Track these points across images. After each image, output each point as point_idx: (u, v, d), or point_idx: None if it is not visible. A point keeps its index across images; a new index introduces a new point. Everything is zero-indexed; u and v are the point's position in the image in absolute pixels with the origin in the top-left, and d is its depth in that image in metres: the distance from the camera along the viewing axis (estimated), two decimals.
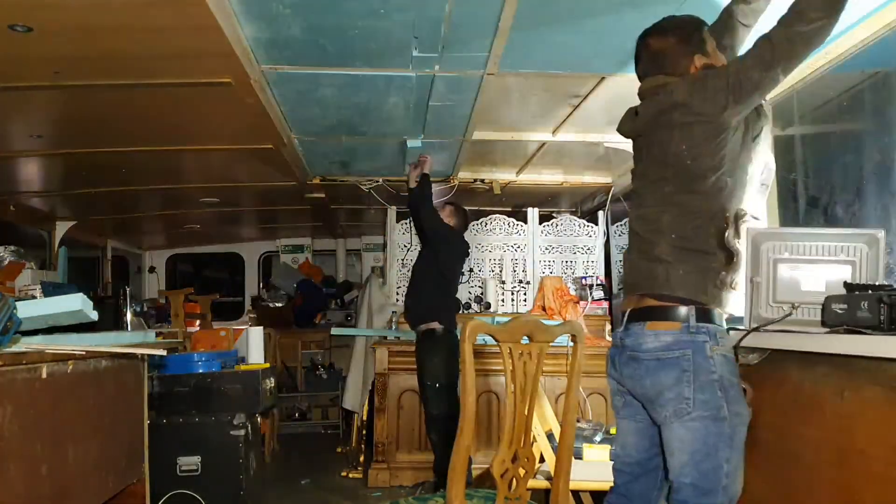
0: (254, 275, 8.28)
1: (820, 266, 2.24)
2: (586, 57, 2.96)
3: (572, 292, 5.44)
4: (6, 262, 4.98)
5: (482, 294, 5.54)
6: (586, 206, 6.14)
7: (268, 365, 4.46)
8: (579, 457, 3.44)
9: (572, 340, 2.29)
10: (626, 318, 2.08)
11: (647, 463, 2.11)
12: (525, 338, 2.16)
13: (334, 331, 6.12)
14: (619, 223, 5.69)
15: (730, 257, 1.98)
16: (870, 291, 1.94)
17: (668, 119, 2.01)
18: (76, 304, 2.34)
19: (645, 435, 2.10)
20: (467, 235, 5.27)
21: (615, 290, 5.51)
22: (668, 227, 2.00)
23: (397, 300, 5.55)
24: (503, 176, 5.27)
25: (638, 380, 2.00)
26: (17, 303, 2.05)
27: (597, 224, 5.70)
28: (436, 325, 4.27)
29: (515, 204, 5.92)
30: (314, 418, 7.30)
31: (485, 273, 5.64)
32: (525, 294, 5.58)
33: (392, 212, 5.66)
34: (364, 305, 5.64)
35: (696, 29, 2.14)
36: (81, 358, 2.37)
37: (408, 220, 5.72)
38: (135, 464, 3.03)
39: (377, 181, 5.17)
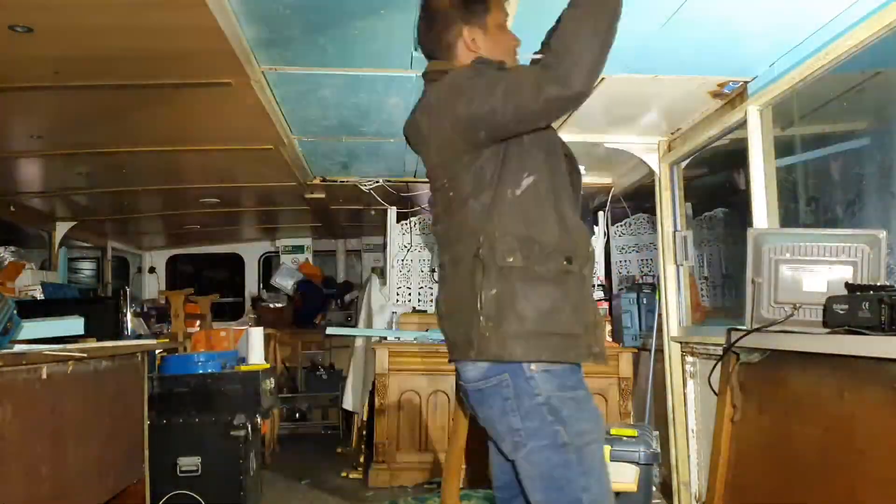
0: (254, 275, 8.28)
1: (821, 266, 2.24)
2: None
3: None
4: (6, 263, 4.98)
5: None
6: (586, 206, 6.14)
7: (268, 365, 4.45)
8: None
9: None
10: None
11: (515, 484, 1.76)
12: None
13: (329, 330, 6.08)
14: (619, 223, 5.69)
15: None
16: (871, 292, 1.94)
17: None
18: (78, 328, 2.36)
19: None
20: None
21: (615, 290, 5.51)
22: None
23: (397, 300, 5.55)
24: None
25: (474, 412, 1.78)
26: (22, 323, 2.04)
27: (597, 224, 5.69)
28: None
29: None
30: (314, 419, 7.30)
31: None
32: None
33: (392, 212, 5.66)
34: (364, 306, 5.63)
35: None
36: (81, 359, 2.36)
37: (408, 221, 5.73)
38: (135, 464, 3.03)
39: (377, 181, 5.17)
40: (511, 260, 1.61)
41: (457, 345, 1.70)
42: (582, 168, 1.96)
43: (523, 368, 1.62)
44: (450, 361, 1.78)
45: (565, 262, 1.64)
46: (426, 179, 1.89)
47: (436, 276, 1.50)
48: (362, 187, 5.22)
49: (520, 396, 1.62)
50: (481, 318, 1.61)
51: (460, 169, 1.68)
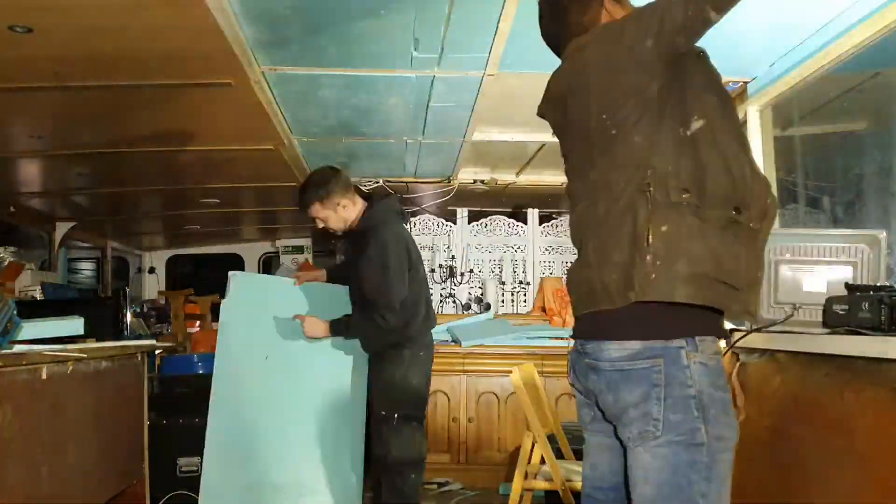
0: None
1: (821, 267, 2.24)
2: None
3: None
4: (6, 263, 4.98)
5: (482, 295, 5.54)
6: None
7: None
8: (580, 457, 3.44)
9: None
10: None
11: (623, 487, 1.68)
12: None
13: None
14: None
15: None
16: (871, 292, 1.94)
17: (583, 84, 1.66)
18: (78, 328, 2.36)
19: (620, 453, 1.66)
20: (471, 235, 5.26)
21: None
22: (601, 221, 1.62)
23: None
24: (503, 176, 5.27)
25: (600, 394, 1.63)
26: (22, 323, 2.04)
27: None
28: None
29: (515, 204, 5.93)
30: None
31: (484, 274, 5.64)
32: (525, 295, 5.58)
33: None
34: None
35: None
36: (81, 359, 2.36)
37: (407, 223, 5.73)
38: (135, 464, 3.03)
39: (377, 182, 5.17)
40: (685, 196, 1.50)
41: (608, 291, 1.55)
42: None
43: (681, 355, 1.51)
44: (581, 319, 1.66)
45: (734, 213, 1.52)
46: (560, 138, 1.81)
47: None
48: (362, 187, 5.22)
49: (670, 384, 1.51)
50: (648, 255, 1.49)
51: (623, 96, 1.56)
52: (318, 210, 3.15)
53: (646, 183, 1.52)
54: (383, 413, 3.12)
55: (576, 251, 1.71)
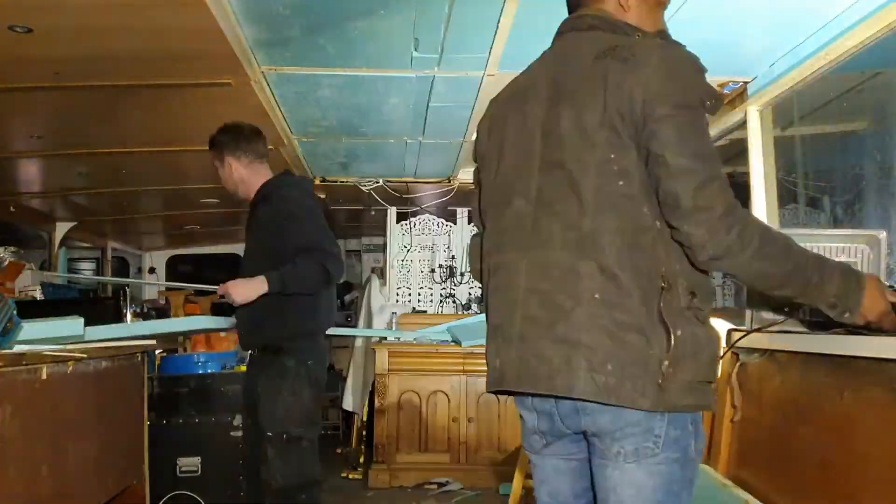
0: None
1: None
2: None
3: None
4: (6, 263, 4.98)
5: (482, 295, 5.54)
6: None
7: None
8: None
9: None
10: None
11: None
12: None
13: (329, 330, 6.08)
14: None
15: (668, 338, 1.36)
16: None
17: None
18: (78, 329, 2.36)
19: (582, 473, 1.54)
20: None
21: None
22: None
23: (397, 300, 5.55)
24: None
25: (591, 413, 1.42)
26: (21, 323, 2.04)
27: None
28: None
29: None
30: None
31: None
32: None
33: (392, 212, 5.66)
34: (364, 306, 5.64)
35: None
36: (81, 359, 2.36)
37: (408, 221, 5.73)
38: (135, 464, 3.02)
39: (377, 182, 5.17)
40: (693, 299, 1.38)
41: (576, 374, 1.37)
42: None
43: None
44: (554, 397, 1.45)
45: (713, 306, 1.44)
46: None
47: (487, 272, 1.56)
48: (362, 187, 5.22)
49: None
50: (665, 361, 1.34)
51: (631, 155, 1.37)
52: None
53: (661, 283, 1.36)
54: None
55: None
